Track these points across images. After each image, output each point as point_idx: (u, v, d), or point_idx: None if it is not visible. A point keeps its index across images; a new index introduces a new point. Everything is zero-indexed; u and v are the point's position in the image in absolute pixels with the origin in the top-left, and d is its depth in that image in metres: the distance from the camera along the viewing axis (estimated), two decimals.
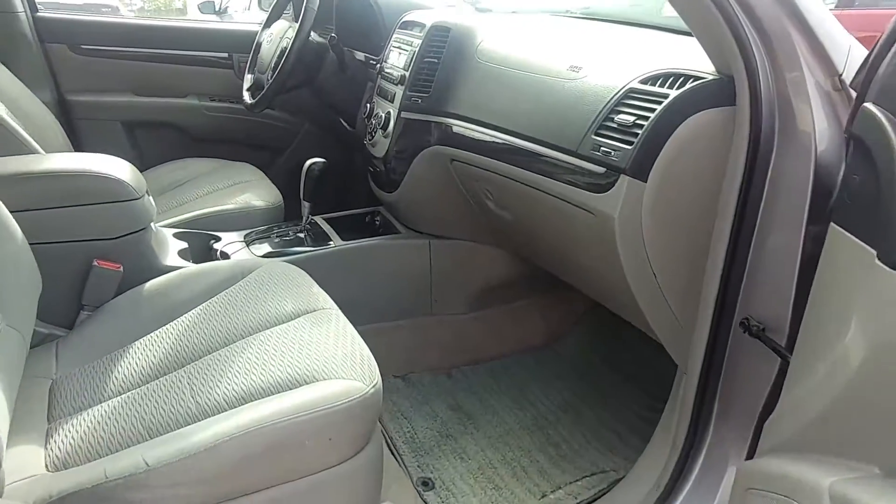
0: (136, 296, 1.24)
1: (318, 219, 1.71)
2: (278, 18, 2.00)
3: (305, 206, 1.60)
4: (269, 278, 1.23)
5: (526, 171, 1.20)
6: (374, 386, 0.90)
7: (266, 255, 1.50)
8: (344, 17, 1.96)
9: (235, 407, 0.89)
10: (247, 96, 1.91)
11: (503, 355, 1.71)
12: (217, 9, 7.10)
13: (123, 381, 1.01)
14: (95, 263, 1.26)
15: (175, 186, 1.94)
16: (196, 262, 1.49)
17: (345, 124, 2.01)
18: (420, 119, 1.45)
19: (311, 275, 1.35)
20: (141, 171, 1.99)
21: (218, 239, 1.58)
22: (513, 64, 1.25)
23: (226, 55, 2.20)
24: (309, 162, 1.56)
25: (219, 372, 0.98)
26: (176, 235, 1.53)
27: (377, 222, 1.76)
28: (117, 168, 1.29)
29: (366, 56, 1.88)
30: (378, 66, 1.68)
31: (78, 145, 2.05)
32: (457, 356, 1.67)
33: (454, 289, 1.67)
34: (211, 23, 2.29)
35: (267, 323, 1.10)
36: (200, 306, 1.17)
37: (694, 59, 0.95)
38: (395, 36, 1.65)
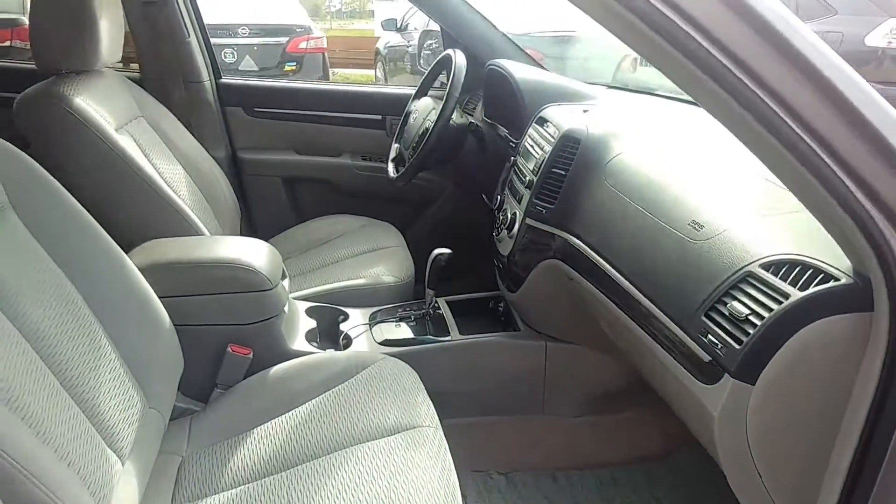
0: (261, 380, 1.36)
1: (442, 301, 1.75)
2: (427, 91, 2.07)
3: (429, 293, 1.65)
4: (380, 380, 1.30)
5: (635, 325, 1.14)
6: None
7: (384, 343, 1.57)
8: (491, 92, 1.98)
9: None
10: (391, 168, 1.99)
11: (612, 464, 1.64)
12: (399, 26, 7.46)
13: (239, 472, 1.12)
14: (229, 350, 1.39)
15: (322, 242, 2.08)
16: (323, 339, 1.60)
17: (485, 198, 2.04)
18: (543, 229, 1.43)
19: (425, 366, 1.40)
20: (297, 224, 2.21)
21: (346, 316, 1.68)
22: (638, 198, 1.19)
23: (379, 117, 2.31)
24: (435, 252, 1.60)
25: (315, 486, 1.05)
26: (308, 312, 1.64)
27: (500, 309, 1.76)
28: (257, 255, 1.42)
29: (507, 133, 1.89)
30: (514, 157, 1.68)
31: (244, 198, 2.26)
32: (563, 459, 1.64)
33: (566, 391, 1.63)
34: (367, 86, 2.41)
35: (367, 434, 1.16)
36: (315, 400, 1.26)
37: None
38: (531, 130, 1.64)
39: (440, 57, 1.98)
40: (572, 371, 1.61)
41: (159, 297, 1.24)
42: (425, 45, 2.60)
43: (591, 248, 1.28)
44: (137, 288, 1.20)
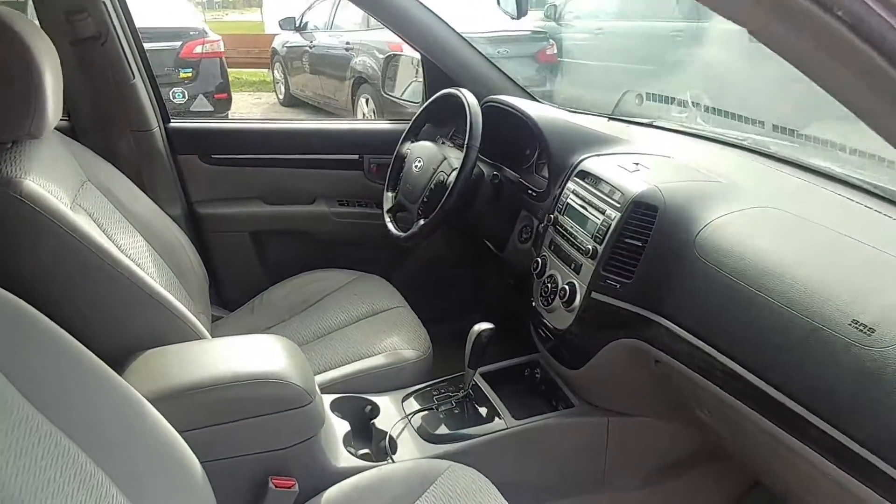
0: None
1: (476, 374, 1.56)
2: (419, 131, 1.85)
3: (469, 373, 1.45)
4: (454, 494, 1.11)
5: (765, 420, 1.02)
6: None
7: (433, 440, 1.37)
8: (487, 129, 1.80)
9: None
10: (390, 223, 1.77)
11: None
12: (297, 25, 7.04)
13: None
14: (271, 485, 1.15)
15: (309, 305, 1.82)
16: (357, 440, 1.38)
17: (489, 245, 1.86)
18: (619, 307, 1.27)
19: (481, 458, 1.27)
20: (271, 285, 1.92)
21: (374, 407, 1.45)
22: (754, 283, 1.06)
23: (356, 156, 2.06)
24: (477, 329, 1.41)
25: None
26: (333, 406, 1.41)
27: (537, 376, 1.60)
28: (286, 363, 1.17)
29: (519, 178, 1.72)
30: (552, 214, 1.51)
31: (208, 260, 1.95)
32: None
33: (628, 465, 1.50)
34: (340, 123, 2.15)
35: None
36: None
37: None
38: (571, 185, 1.48)
39: (439, 95, 1.76)
40: (636, 443, 1.48)
41: (179, 433, 0.98)
42: (389, 67, 2.38)
43: (695, 335, 1.14)
44: (153, 429, 0.93)
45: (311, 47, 7.06)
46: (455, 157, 1.66)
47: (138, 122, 1.77)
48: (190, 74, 6.05)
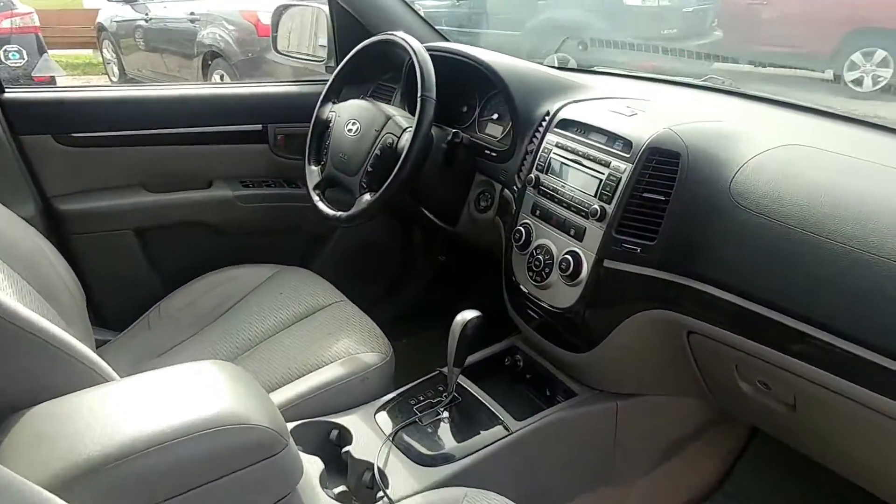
0: None
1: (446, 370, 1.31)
2: (341, 90, 1.54)
3: (455, 372, 1.20)
4: None
5: (839, 379, 0.88)
6: None
7: (430, 462, 1.11)
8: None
9: None
10: (321, 203, 1.45)
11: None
12: None
13: None
14: None
15: (223, 311, 1.48)
16: (333, 476, 1.09)
17: (435, 219, 1.60)
18: (639, 273, 1.07)
19: (487, 472, 1.10)
20: (171, 291, 1.54)
21: (340, 430, 1.17)
22: (805, 224, 0.91)
23: (259, 127, 1.70)
24: (461, 319, 1.16)
25: None
26: (294, 434, 1.10)
27: (519, 364, 1.38)
28: (244, 398, 0.86)
29: (471, 138, 1.47)
30: (523, 175, 1.28)
31: (79, 271, 1.52)
32: None
33: (638, 448, 1.33)
34: (236, 85, 1.77)
35: None
36: None
37: None
38: (552, 139, 1.25)
39: (371, 44, 1.46)
40: (646, 425, 1.31)
41: None
42: (282, 22, 1.99)
43: (743, 296, 0.96)
44: None
45: (146, 21, 6.27)
46: (402, 116, 1.38)
47: None
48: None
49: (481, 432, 1.17)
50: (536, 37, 5.53)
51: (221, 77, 5.52)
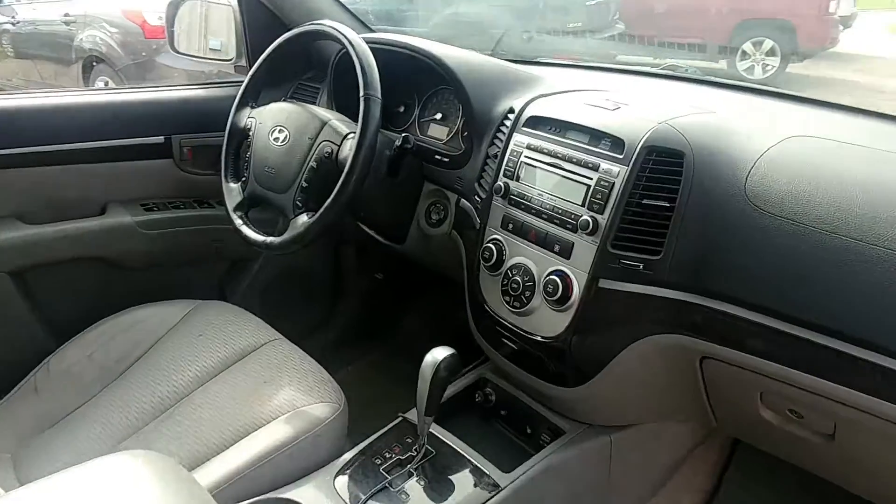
0: None
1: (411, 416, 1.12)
2: (259, 92, 1.30)
3: (426, 422, 1.01)
4: None
5: (881, 401, 0.77)
6: None
7: None
8: (344, 80, 1.34)
9: None
10: (245, 227, 1.21)
11: None
12: None
13: None
14: None
15: (131, 363, 1.24)
16: None
17: (377, 237, 1.40)
18: (643, 293, 0.92)
19: None
20: (63, 343, 1.26)
21: None
22: (839, 228, 0.79)
23: (161, 139, 1.43)
24: (432, 359, 0.97)
25: None
26: None
27: (491, 399, 1.21)
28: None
29: (418, 141, 1.28)
30: (486, 183, 1.10)
31: None
32: None
33: (633, 482, 1.19)
34: (130, 90, 1.49)
35: None
36: None
37: None
38: (521, 140, 1.08)
39: (295, 35, 1.24)
40: (640, 454, 1.17)
41: None
42: (178, 17, 1.71)
43: (771, 314, 0.83)
44: None
45: (13, 24, 5.64)
46: (339, 120, 1.17)
47: None
48: None
49: (467, 492, 0.99)
50: (443, 33, 5.39)
51: (106, 84, 5.03)
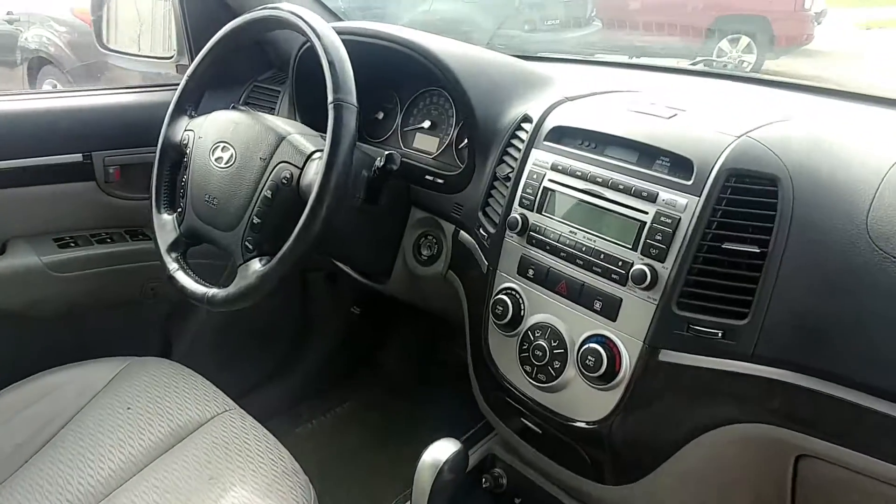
0: None
1: None
2: (199, 99, 1.02)
3: None
4: None
5: None
6: None
7: None
8: (307, 82, 1.08)
9: None
10: (179, 273, 0.93)
11: None
12: None
13: None
14: None
15: (44, 443, 0.97)
16: None
17: (354, 275, 1.14)
18: (723, 370, 0.67)
19: None
20: None
21: None
22: None
23: (78, 157, 1.15)
24: (432, 459, 0.71)
25: None
26: None
27: (502, 483, 0.95)
28: None
29: (401, 159, 1.01)
30: (519, 217, 0.84)
31: None
32: None
33: None
34: (41, 96, 1.21)
35: None
36: None
37: None
38: (543, 158, 0.82)
39: (245, 21, 0.96)
40: None
41: None
42: (108, 8, 1.45)
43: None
44: None
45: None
46: (301, 133, 0.89)
47: None
48: None
49: None
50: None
51: (55, 86, 4.69)
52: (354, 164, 0.87)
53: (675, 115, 0.77)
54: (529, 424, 0.83)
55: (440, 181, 0.98)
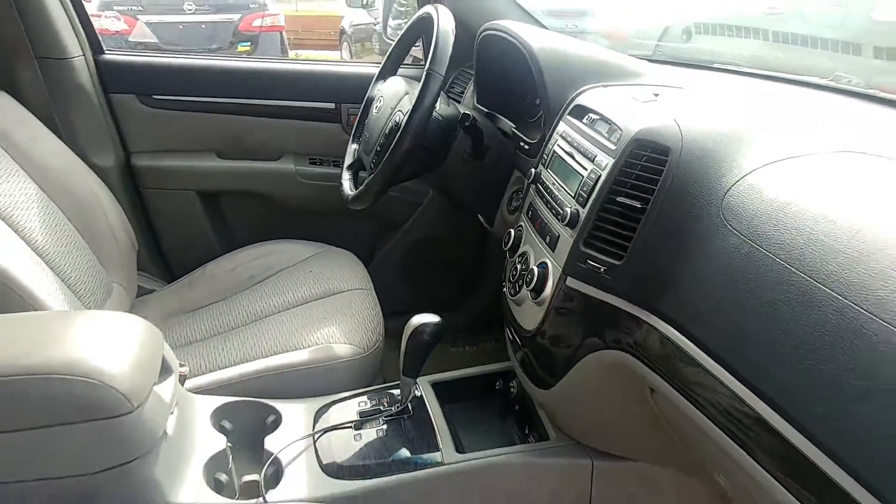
0: None
1: (424, 383, 1.16)
2: (397, 68, 1.45)
3: (407, 383, 1.05)
4: None
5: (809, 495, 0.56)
6: None
7: (334, 473, 0.97)
8: (486, 69, 1.38)
9: None
10: (346, 181, 1.37)
11: None
12: (364, 2, 6.76)
13: None
14: None
15: (256, 282, 1.47)
16: (241, 461, 1.00)
17: (482, 220, 1.44)
18: (602, 301, 0.83)
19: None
20: (222, 255, 1.58)
21: (276, 417, 1.08)
22: (814, 272, 0.60)
23: (332, 105, 1.68)
24: (415, 322, 1.00)
25: None
26: (216, 414, 1.04)
27: (512, 391, 1.18)
28: (111, 354, 0.80)
29: (514, 129, 1.29)
30: (533, 169, 1.08)
31: (144, 222, 1.63)
32: None
33: None
34: (316, 63, 1.78)
35: None
36: None
37: None
38: (563, 127, 1.04)
39: (415, 18, 1.36)
40: (628, 498, 1.03)
41: None
42: (393, 11, 2.00)
43: (707, 352, 0.68)
44: None
45: (376, 24, 6.77)
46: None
47: (47, 46, 1.45)
48: (248, 48, 5.88)
49: (412, 456, 1.01)
50: None
51: None
52: (449, 119, 1.19)
53: (653, 100, 0.91)
54: (510, 332, 1.06)
55: (526, 147, 1.23)
